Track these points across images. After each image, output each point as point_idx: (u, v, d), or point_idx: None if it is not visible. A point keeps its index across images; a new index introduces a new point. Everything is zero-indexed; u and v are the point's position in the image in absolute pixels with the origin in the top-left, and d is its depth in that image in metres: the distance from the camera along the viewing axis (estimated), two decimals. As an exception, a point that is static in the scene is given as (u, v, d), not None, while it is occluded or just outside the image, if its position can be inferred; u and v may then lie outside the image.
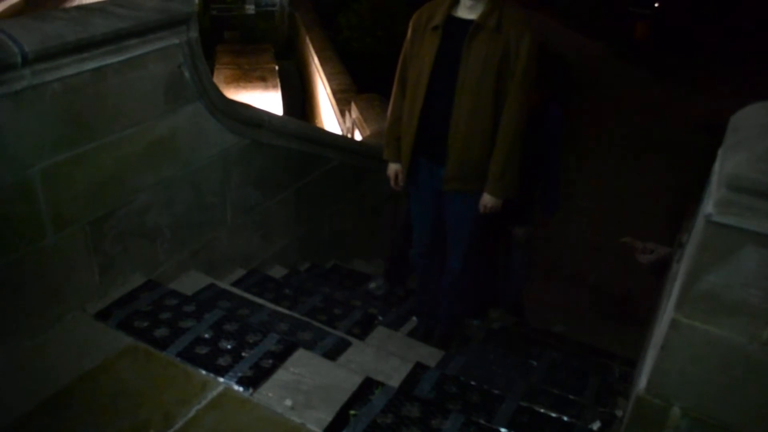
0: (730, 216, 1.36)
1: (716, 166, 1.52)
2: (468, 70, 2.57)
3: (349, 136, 5.78)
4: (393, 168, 2.97)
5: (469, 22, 2.56)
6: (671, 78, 8.84)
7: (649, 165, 6.86)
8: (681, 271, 1.66)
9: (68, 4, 6.84)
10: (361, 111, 5.70)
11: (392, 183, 3.00)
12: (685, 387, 1.58)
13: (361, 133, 5.45)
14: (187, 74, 2.61)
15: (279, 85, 7.46)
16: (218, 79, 7.04)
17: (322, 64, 7.48)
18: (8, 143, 2.04)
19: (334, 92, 6.72)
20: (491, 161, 2.68)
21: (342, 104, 6.37)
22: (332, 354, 2.51)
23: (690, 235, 1.84)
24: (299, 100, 9.07)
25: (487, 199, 2.75)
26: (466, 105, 2.61)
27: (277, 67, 7.88)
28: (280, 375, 2.21)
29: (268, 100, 7.00)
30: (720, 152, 1.56)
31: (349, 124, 5.97)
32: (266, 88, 7.26)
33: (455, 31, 2.59)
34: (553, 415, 2.33)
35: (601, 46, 9.86)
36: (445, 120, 2.66)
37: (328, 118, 7.05)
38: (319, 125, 7.35)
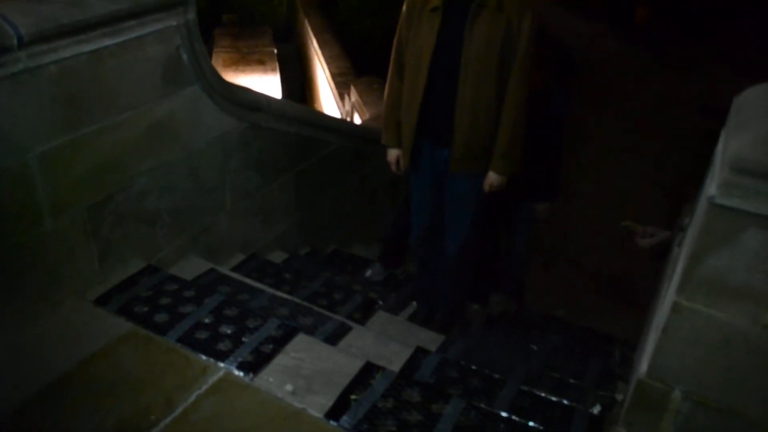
0: (733, 198, 1.34)
1: (719, 148, 1.51)
2: (471, 51, 2.55)
3: (349, 119, 5.76)
4: (393, 153, 2.95)
5: (470, 1, 2.53)
6: (672, 61, 8.79)
7: (649, 148, 6.83)
8: (682, 254, 1.65)
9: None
10: (360, 94, 5.67)
11: (393, 168, 2.99)
12: (687, 370, 1.57)
13: (361, 117, 5.43)
14: (184, 56, 2.58)
15: (278, 68, 7.41)
16: (217, 63, 6.99)
17: (321, 48, 7.43)
18: (4, 127, 2.02)
19: (333, 75, 6.68)
20: (497, 139, 2.68)
21: (341, 87, 6.34)
22: (333, 339, 2.51)
23: (691, 218, 1.82)
24: (298, 83, 9.01)
25: (492, 177, 2.75)
26: (471, 85, 2.59)
27: (275, 51, 7.81)
28: (281, 360, 2.21)
29: (267, 83, 6.95)
30: (723, 134, 1.54)
31: (348, 107, 5.94)
32: (265, 71, 7.20)
33: (455, 11, 2.56)
34: (554, 398, 2.33)
35: (601, 29, 9.79)
36: (447, 102, 2.64)
37: (328, 101, 7.02)
38: (318, 109, 7.31)
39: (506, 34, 2.53)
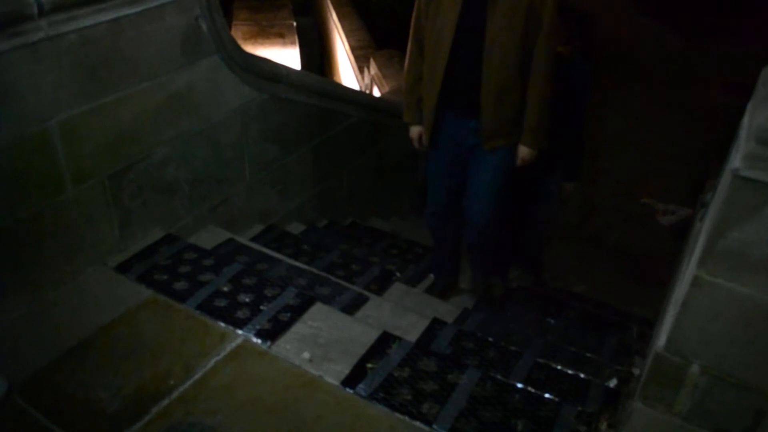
0: (758, 170, 1.31)
1: (745, 120, 1.48)
2: (494, 29, 2.52)
3: (368, 92, 5.72)
4: (416, 130, 2.95)
5: None
6: (697, 35, 8.61)
7: (671, 125, 6.72)
8: (705, 228, 1.63)
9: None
10: (379, 67, 5.63)
11: (416, 144, 2.99)
12: (705, 345, 1.56)
13: (380, 90, 5.39)
14: (204, 27, 2.58)
15: (297, 41, 7.36)
16: (236, 36, 6.94)
17: (340, 20, 7.37)
18: (25, 95, 2.04)
19: (353, 49, 6.63)
20: (526, 114, 2.68)
21: (360, 61, 6.29)
22: (350, 309, 2.52)
23: (714, 192, 1.80)
24: (317, 56, 8.96)
25: (523, 152, 2.75)
26: (496, 64, 2.57)
27: (295, 24, 7.75)
28: (298, 328, 2.23)
29: (286, 56, 6.91)
30: (749, 106, 1.51)
31: (367, 80, 5.90)
32: (284, 44, 7.16)
33: None
34: (570, 372, 2.33)
35: (624, 2, 9.60)
36: (470, 77, 2.62)
37: (347, 74, 6.98)
38: (338, 82, 7.27)
39: (529, 9, 2.50)
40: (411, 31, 2.80)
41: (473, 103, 2.67)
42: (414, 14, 2.76)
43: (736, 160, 1.35)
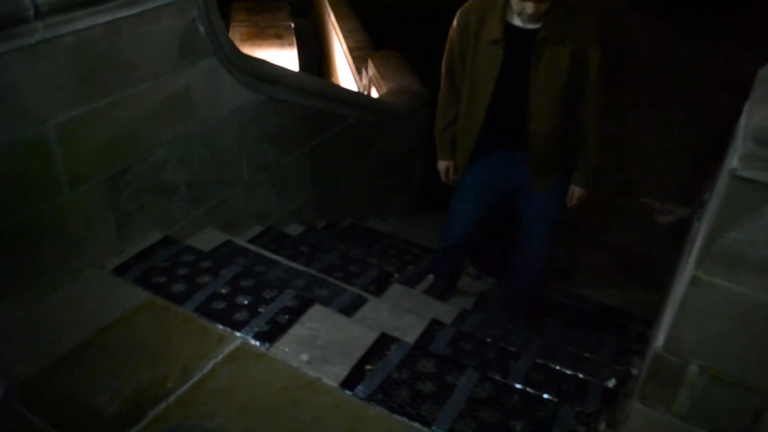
0: (755, 170, 1.32)
1: (742, 120, 1.48)
2: (539, 85, 2.49)
3: (366, 93, 5.72)
4: (445, 164, 2.90)
5: (532, 32, 2.43)
6: (696, 35, 8.61)
7: (669, 125, 6.72)
8: (702, 228, 1.63)
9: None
10: (377, 68, 5.62)
11: (443, 177, 2.94)
12: (704, 344, 1.56)
13: (378, 91, 5.39)
14: (201, 28, 2.58)
15: (295, 42, 7.35)
16: (234, 37, 6.94)
17: (338, 21, 7.36)
18: (22, 98, 2.04)
19: (351, 49, 6.62)
20: (583, 154, 2.66)
21: (358, 62, 6.28)
22: (348, 310, 2.52)
23: (712, 192, 1.80)
24: (315, 58, 8.96)
25: (579, 191, 2.74)
26: (542, 111, 2.54)
27: (293, 25, 7.75)
28: (297, 330, 2.23)
29: (285, 58, 6.91)
30: (746, 106, 1.51)
31: (365, 81, 5.89)
32: (282, 45, 7.15)
33: (517, 43, 2.47)
34: (569, 372, 2.33)
35: (624, 4, 9.60)
36: (512, 118, 2.60)
37: (345, 75, 6.97)
38: (336, 83, 7.27)
39: (572, 62, 2.45)
40: (444, 76, 2.75)
41: (517, 138, 2.64)
42: (446, 58, 2.70)
43: (733, 160, 1.35)
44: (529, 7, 2.35)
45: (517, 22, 2.46)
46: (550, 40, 2.42)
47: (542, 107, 2.53)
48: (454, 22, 2.61)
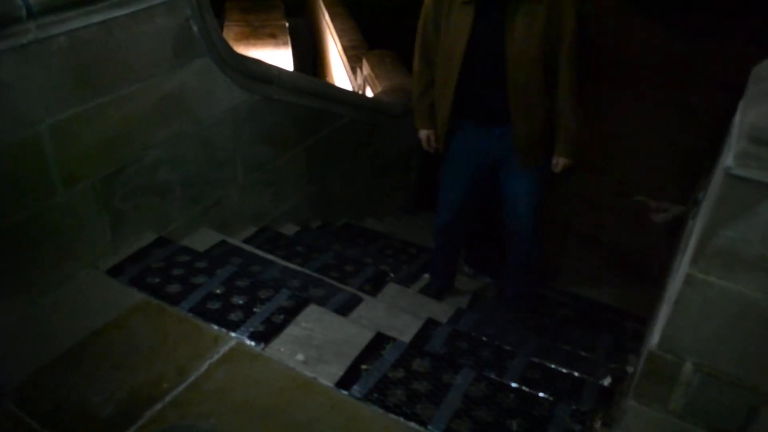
0: (750, 169, 1.32)
1: (737, 118, 1.48)
2: (515, 47, 2.48)
3: (361, 92, 5.72)
4: (425, 133, 2.91)
5: None
6: (691, 34, 8.63)
7: (664, 123, 6.73)
8: (697, 226, 1.63)
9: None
10: (372, 67, 5.62)
11: (424, 145, 2.95)
12: (699, 342, 1.56)
13: (373, 90, 5.39)
14: (195, 28, 2.57)
15: (289, 42, 7.34)
16: (228, 37, 6.93)
17: (332, 21, 7.36)
18: (15, 99, 2.03)
19: (345, 49, 6.62)
20: (562, 124, 2.66)
21: (353, 61, 6.28)
22: (344, 310, 2.52)
23: (707, 190, 1.80)
24: (310, 57, 8.95)
25: (562, 162, 2.74)
26: (521, 82, 2.54)
27: (287, 24, 7.74)
28: (292, 330, 2.22)
29: (279, 57, 6.90)
30: (741, 104, 1.51)
31: (360, 80, 5.89)
32: (277, 45, 7.14)
33: (490, 5, 2.47)
34: (564, 371, 2.33)
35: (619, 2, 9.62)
36: (486, 89, 2.60)
37: (340, 75, 6.97)
38: (330, 83, 7.26)
39: (548, 21, 2.45)
40: (417, 44, 2.75)
41: (494, 110, 2.64)
42: (420, 25, 2.70)
43: (728, 159, 1.35)
44: None
45: None
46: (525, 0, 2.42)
47: (521, 80, 2.53)
48: None
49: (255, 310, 2.29)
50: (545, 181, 2.83)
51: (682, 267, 1.59)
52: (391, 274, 3.28)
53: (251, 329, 2.19)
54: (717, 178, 1.49)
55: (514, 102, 2.58)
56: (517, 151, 2.70)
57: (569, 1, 2.46)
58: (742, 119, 1.38)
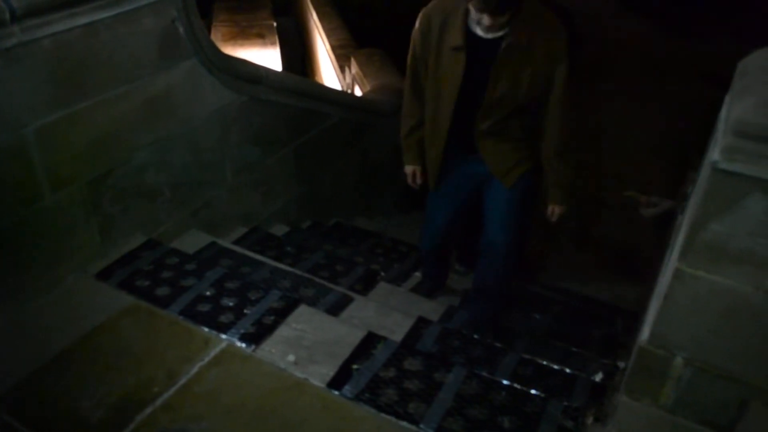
0: (736, 163, 1.32)
1: (723, 113, 1.48)
2: (494, 95, 2.44)
3: (349, 92, 5.71)
4: (411, 168, 2.85)
5: (495, 40, 2.35)
6: (677, 29, 8.67)
7: (652, 118, 6.76)
8: (685, 220, 1.64)
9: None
10: (360, 66, 5.61)
11: (409, 182, 2.89)
12: (688, 337, 1.57)
13: (361, 89, 5.38)
14: (181, 29, 2.55)
15: (277, 42, 7.33)
16: (216, 37, 6.91)
17: (320, 20, 7.34)
18: (0, 103, 2.01)
19: (334, 48, 6.60)
20: (555, 170, 2.63)
21: (341, 60, 6.26)
22: (334, 310, 2.51)
23: (694, 185, 1.81)
24: (298, 57, 8.93)
25: (558, 209, 2.71)
26: (496, 118, 2.51)
27: (275, 24, 7.72)
28: (283, 331, 2.21)
29: (267, 57, 6.88)
30: (727, 98, 1.52)
31: (349, 79, 5.88)
32: (265, 45, 7.12)
33: (480, 50, 2.40)
34: (556, 367, 2.34)
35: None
36: (474, 126, 2.57)
37: (328, 74, 6.96)
38: (319, 82, 7.25)
39: (537, 71, 2.40)
40: (407, 79, 2.68)
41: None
42: (409, 62, 2.63)
43: (714, 153, 1.36)
44: (486, 20, 2.28)
45: (478, 30, 2.37)
46: (516, 47, 2.34)
47: (496, 116, 2.49)
48: (417, 24, 2.53)
49: (245, 311, 2.28)
50: (527, 205, 2.76)
51: (671, 262, 1.59)
52: (382, 273, 3.28)
53: (242, 331, 2.18)
54: (704, 173, 1.49)
55: (481, 144, 2.57)
56: (496, 174, 2.66)
57: (562, 53, 2.40)
58: (728, 114, 1.39)
